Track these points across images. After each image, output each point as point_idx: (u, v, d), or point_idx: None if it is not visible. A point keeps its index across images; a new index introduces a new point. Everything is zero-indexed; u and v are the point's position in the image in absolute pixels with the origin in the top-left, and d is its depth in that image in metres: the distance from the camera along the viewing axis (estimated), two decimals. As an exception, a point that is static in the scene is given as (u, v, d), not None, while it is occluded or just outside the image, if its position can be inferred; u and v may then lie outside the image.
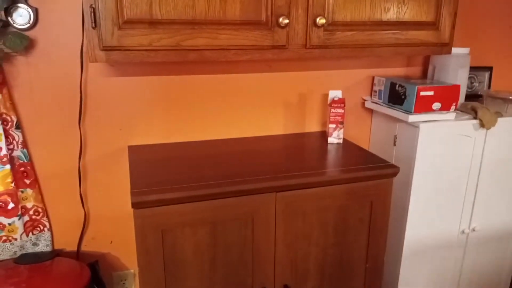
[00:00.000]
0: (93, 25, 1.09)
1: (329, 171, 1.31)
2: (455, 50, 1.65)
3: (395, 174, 1.36)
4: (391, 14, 1.33)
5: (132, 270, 1.67)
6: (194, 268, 1.24)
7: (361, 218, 1.38)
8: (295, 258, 1.33)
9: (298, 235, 1.32)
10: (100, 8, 1.08)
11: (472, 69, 1.84)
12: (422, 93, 1.52)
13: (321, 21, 1.23)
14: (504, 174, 1.71)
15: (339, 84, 1.74)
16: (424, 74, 1.83)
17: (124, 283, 1.67)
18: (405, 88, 1.55)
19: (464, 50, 1.66)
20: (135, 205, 1.13)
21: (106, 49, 1.11)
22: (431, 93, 1.53)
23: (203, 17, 1.16)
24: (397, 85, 1.59)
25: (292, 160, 1.40)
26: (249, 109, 1.63)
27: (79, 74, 1.41)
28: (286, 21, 1.20)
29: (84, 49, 1.38)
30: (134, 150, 1.48)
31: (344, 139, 1.64)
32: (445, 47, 1.45)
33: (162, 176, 1.26)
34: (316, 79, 1.70)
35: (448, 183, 1.64)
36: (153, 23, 1.13)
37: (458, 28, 1.78)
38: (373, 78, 1.75)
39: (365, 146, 1.85)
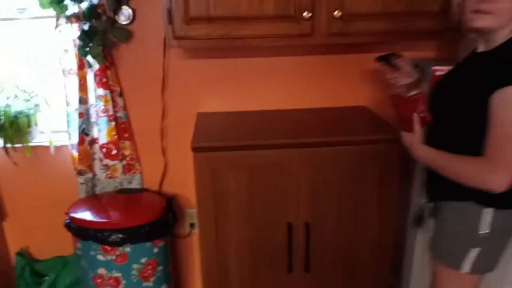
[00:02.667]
0: (169, 22, 1.56)
1: (340, 134, 1.65)
2: (478, 35, 1.84)
3: (398, 140, 1.64)
4: (403, 6, 1.61)
5: (198, 209, 2.16)
6: (236, 202, 1.67)
7: (371, 175, 1.68)
8: (315, 202, 1.70)
9: (317, 184, 1.68)
10: (174, 10, 1.54)
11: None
12: (438, 73, 1.76)
13: (338, 14, 1.57)
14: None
15: (374, 66, 2.02)
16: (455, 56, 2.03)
17: (192, 219, 2.16)
18: (423, 68, 1.80)
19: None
20: (194, 149, 1.59)
21: (177, 38, 1.58)
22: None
23: (245, 14, 1.57)
24: (418, 66, 1.84)
25: (316, 125, 1.77)
26: (291, 85, 2.01)
27: (162, 57, 1.90)
28: (309, 14, 1.56)
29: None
30: (200, 116, 1.95)
31: (367, 110, 1.96)
32: (458, 33, 1.68)
33: (216, 132, 1.71)
34: (353, 60, 2.00)
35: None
36: (209, 19, 1.56)
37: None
38: (404, 60, 2.00)
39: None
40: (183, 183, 2.11)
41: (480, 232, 1.28)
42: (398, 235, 2.10)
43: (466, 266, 1.32)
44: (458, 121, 1.26)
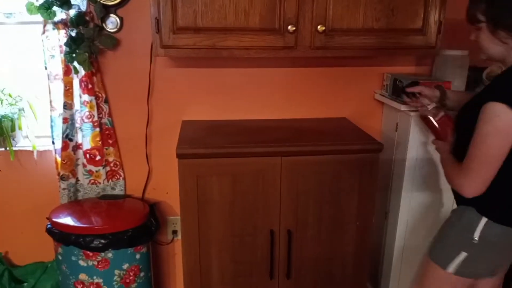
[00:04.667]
0: (157, 31, 1.59)
1: (323, 144, 1.71)
2: (453, 52, 1.93)
3: (379, 150, 1.71)
4: (382, 23, 1.68)
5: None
6: (219, 208, 1.70)
7: (351, 184, 1.74)
8: (296, 210, 1.74)
9: (299, 192, 1.72)
10: (161, 19, 1.58)
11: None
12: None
13: (321, 28, 1.63)
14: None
15: (355, 79, 2.10)
16: (431, 72, 2.12)
17: (175, 225, 2.17)
18: (403, 83, 1.88)
19: (462, 52, 1.93)
20: (178, 156, 1.62)
21: (165, 47, 1.61)
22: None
23: (232, 25, 1.61)
24: (397, 81, 1.93)
25: (298, 134, 1.82)
26: (275, 96, 2.06)
27: (149, 65, 1.93)
28: (294, 28, 1.62)
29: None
30: (185, 123, 1.98)
31: (348, 121, 2.02)
32: (432, 49, 1.77)
33: (201, 139, 1.74)
34: (334, 73, 2.07)
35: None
36: (197, 30, 1.61)
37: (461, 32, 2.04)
38: (383, 74, 2.08)
39: (377, 132, 2.17)
40: (166, 190, 2.13)
41: (471, 238, 1.37)
42: (376, 243, 2.16)
43: (451, 268, 1.41)
44: (467, 137, 1.34)
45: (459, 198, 1.45)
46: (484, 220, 1.35)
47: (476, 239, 1.36)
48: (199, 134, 1.82)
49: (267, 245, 1.76)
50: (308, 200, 1.74)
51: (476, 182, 1.27)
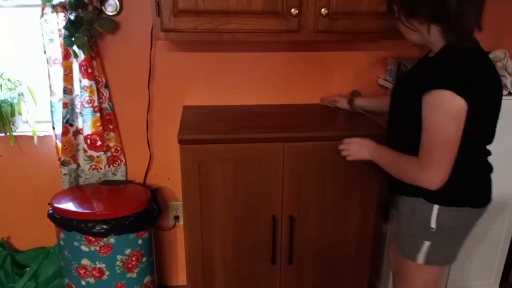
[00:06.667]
0: (157, 14, 1.56)
1: (326, 129, 1.69)
2: (459, 36, 1.89)
3: (383, 136, 1.69)
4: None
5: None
6: (221, 194, 1.69)
7: (354, 170, 1.73)
8: (298, 196, 1.73)
9: (301, 177, 1.71)
10: (162, 2, 1.54)
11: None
12: (420, 72, 1.81)
13: (324, 11, 1.60)
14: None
15: (360, 63, 2.07)
16: (435, 57, 2.08)
17: (176, 211, 2.17)
18: (407, 67, 1.85)
19: (468, 36, 1.89)
20: (180, 142, 1.60)
21: (165, 30, 1.58)
22: (427, 72, 1.81)
23: (234, 8, 1.58)
24: (402, 65, 1.90)
25: (301, 120, 1.80)
26: (277, 81, 2.03)
27: (149, 49, 1.90)
28: (297, 11, 1.59)
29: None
30: (186, 109, 1.96)
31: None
32: (438, 33, 1.73)
33: (203, 125, 1.72)
34: (338, 57, 2.04)
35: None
36: (198, 13, 1.57)
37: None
38: (387, 59, 2.05)
39: (381, 117, 2.15)
40: (168, 175, 2.12)
41: (429, 227, 1.37)
42: (378, 233, 2.16)
43: (420, 258, 1.42)
44: (403, 121, 1.39)
45: (401, 188, 1.42)
46: (436, 207, 1.35)
47: (434, 227, 1.36)
48: (201, 119, 1.81)
49: (269, 230, 1.76)
50: (311, 186, 1.73)
51: (442, 172, 1.24)
